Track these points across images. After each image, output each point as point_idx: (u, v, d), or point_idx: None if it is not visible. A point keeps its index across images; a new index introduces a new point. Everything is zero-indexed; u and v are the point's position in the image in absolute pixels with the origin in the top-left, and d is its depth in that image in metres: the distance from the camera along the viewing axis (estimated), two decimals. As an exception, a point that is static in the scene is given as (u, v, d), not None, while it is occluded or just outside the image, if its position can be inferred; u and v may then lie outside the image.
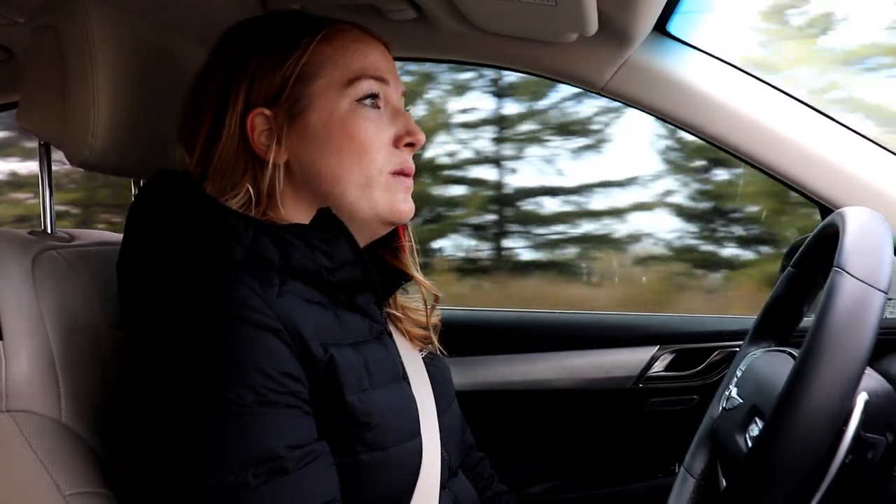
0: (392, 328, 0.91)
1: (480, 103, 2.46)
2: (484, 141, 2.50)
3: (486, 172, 2.52)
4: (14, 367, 0.77)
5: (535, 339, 1.52)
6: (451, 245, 2.53)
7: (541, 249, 2.51)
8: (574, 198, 2.46)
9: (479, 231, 2.53)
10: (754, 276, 2.23)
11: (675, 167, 2.38)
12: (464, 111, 2.47)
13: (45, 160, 0.94)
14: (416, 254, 0.92)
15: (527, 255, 2.52)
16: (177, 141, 0.86)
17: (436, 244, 2.51)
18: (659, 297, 2.42)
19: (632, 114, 1.75)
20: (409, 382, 0.86)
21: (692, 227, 2.35)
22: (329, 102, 0.81)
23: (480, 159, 2.50)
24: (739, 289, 2.26)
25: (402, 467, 0.80)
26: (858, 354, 0.65)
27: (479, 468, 1.05)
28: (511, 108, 2.47)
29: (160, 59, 0.95)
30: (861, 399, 0.68)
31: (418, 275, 0.91)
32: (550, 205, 2.48)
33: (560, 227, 2.48)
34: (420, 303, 0.95)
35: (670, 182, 2.37)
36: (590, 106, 2.34)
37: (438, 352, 0.96)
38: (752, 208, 2.28)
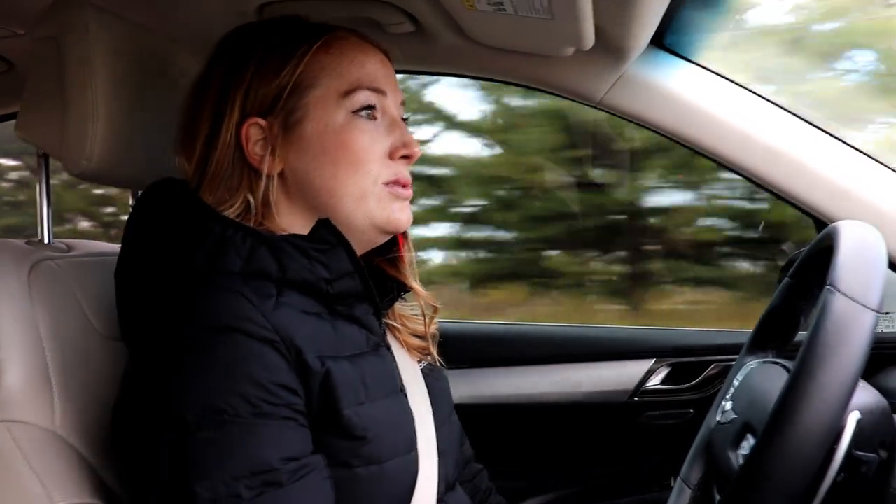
0: (391, 339, 0.90)
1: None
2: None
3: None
4: (8, 377, 0.77)
5: (533, 351, 1.52)
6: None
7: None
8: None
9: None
10: None
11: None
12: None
13: (44, 170, 0.94)
14: (415, 264, 0.92)
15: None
16: (176, 149, 0.86)
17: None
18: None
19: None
20: (406, 395, 0.85)
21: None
22: (325, 114, 0.80)
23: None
24: None
25: (398, 481, 0.79)
26: (848, 374, 0.65)
27: (476, 480, 1.04)
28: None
29: (160, 70, 0.96)
30: (853, 417, 0.68)
31: (417, 285, 0.91)
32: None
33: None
34: (418, 312, 0.95)
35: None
36: None
37: (437, 363, 0.96)
38: None
